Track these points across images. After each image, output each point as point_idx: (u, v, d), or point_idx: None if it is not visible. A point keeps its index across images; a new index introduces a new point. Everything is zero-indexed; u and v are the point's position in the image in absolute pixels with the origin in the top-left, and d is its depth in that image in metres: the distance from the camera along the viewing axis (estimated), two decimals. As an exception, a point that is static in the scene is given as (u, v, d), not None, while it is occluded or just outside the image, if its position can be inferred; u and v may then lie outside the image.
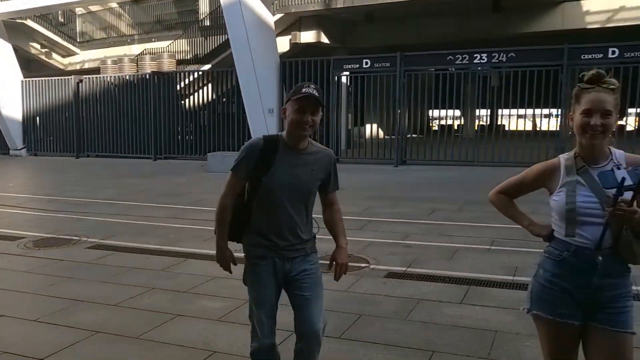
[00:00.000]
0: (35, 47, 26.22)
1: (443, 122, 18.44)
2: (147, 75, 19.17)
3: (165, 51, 22.00)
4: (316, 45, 20.19)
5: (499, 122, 18.93)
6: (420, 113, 19.32)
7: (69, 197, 10.59)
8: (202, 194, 10.76)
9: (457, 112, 18.25)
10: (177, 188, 12.05)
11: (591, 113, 2.12)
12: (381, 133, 18.84)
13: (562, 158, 2.29)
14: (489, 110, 17.85)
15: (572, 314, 2.20)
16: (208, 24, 22.03)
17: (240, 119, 17.27)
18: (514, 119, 16.83)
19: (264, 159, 2.62)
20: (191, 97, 19.10)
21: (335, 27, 20.54)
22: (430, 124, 21.64)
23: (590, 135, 2.13)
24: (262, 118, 16.00)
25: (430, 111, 21.59)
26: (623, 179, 2.00)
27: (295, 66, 16.46)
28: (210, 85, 18.77)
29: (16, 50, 22.29)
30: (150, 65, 20.57)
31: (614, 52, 13.13)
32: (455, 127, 19.50)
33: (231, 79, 17.57)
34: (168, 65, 20.48)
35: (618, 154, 2.21)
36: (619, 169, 2.09)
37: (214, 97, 18.70)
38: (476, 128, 16.68)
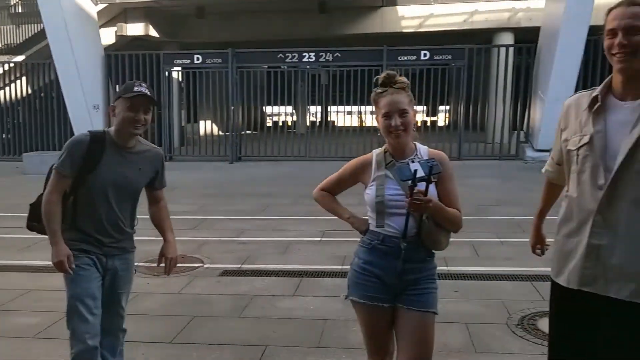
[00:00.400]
0: None
1: (277, 118, 18.81)
2: (-56, 66, 16.79)
3: (-33, 39, 19.48)
4: (145, 39, 19.32)
5: (329, 119, 19.83)
6: (254, 110, 19.50)
7: None
8: (17, 199, 9.71)
9: (290, 109, 18.74)
10: (-14, 193, 10.74)
11: (390, 115, 2.32)
12: (216, 130, 18.65)
13: (374, 153, 2.48)
14: (319, 107, 18.57)
15: (383, 298, 2.38)
16: (20, 10, 19.92)
17: (61, 116, 15.89)
18: (343, 116, 17.71)
19: (90, 156, 2.57)
20: (1, 91, 17.11)
21: (165, 21, 19.83)
22: (265, 121, 21.91)
23: (395, 135, 2.34)
24: (87, 115, 14.90)
25: (265, 108, 21.90)
26: (415, 170, 2.19)
27: (122, 60, 15.58)
28: (25, 78, 16.98)
29: None
30: (-52, 55, 18.05)
31: (425, 55, 14.45)
32: (289, 124, 19.99)
33: (49, 72, 16.07)
34: (-29, 55, 18.13)
35: (423, 149, 2.44)
36: (413, 162, 2.29)
37: (29, 91, 16.96)
38: (308, 124, 17.24)
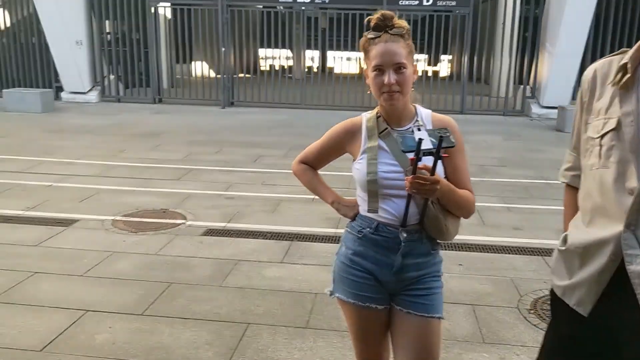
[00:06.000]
0: None
1: (272, 62, 17.97)
2: None
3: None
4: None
5: (327, 64, 18.99)
6: (247, 52, 18.64)
7: None
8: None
9: (288, 53, 17.76)
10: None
11: (383, 69, 1.80)
12: (212, 73, 17.79)
13: (364, 118, 1.96)
14: (317, 52, 17.70)
15: (376, 298, 1.93)
16: None
17: (42, 51, 15.02)
18: (343, 62, 16.81)
19: None
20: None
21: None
22: (259, 64, 21.06)
23: (388, 95, 1.82)
24: (69, 51, 14.13)
25: (260, 50, 20.97)
26: (420, 140, 1.66)
27: (106, -7, 14.63)
28: (3, 10, 15.98)
29: None
30: None
31: (428, 0, 13.58)
32: (286, 68, 19.15)
33: (27, 3, 15.09)
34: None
35: (425, 113, 1.93)
36: (419, 129, 1.76)
37: (8, 25, 15.99)
38: (305, 69, 16.37)
